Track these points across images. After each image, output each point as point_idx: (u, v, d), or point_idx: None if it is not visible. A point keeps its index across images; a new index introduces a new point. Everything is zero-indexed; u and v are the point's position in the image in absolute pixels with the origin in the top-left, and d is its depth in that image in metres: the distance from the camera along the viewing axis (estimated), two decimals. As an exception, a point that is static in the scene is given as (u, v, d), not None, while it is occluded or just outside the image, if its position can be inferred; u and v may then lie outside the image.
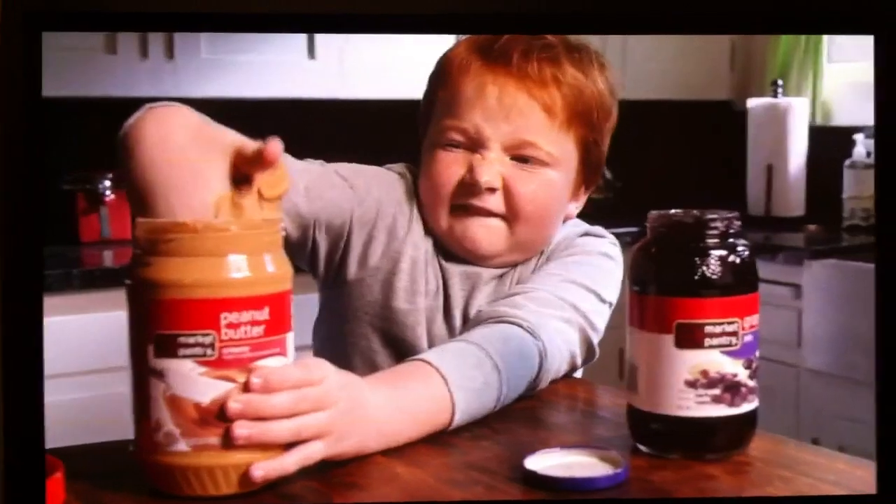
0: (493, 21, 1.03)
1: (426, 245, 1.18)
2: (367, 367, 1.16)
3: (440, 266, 1.18)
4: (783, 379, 2.54)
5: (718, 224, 0.89)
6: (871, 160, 2.77)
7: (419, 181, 1.19)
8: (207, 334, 0.79)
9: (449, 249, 1.18)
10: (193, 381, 0.79)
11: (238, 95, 2.41)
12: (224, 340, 0.79)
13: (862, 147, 2.80)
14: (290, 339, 0.84)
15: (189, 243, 0.80)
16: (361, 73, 2.50)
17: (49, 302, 2.04)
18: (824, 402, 2.47)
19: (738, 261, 0.89)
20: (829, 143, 2.93)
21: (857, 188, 2.79)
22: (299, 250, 1.14)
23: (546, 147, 1.14)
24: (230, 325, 0.80)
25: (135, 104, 0.97)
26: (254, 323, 0.80)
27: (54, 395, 1.81)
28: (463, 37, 1.21)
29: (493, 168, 1.13)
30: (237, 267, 0.80)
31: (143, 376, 0.81)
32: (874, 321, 0.91)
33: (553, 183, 1.16)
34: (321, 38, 2.47)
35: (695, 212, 0.91)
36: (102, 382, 2.09)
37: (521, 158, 1.14)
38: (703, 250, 0.88)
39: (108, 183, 2.45)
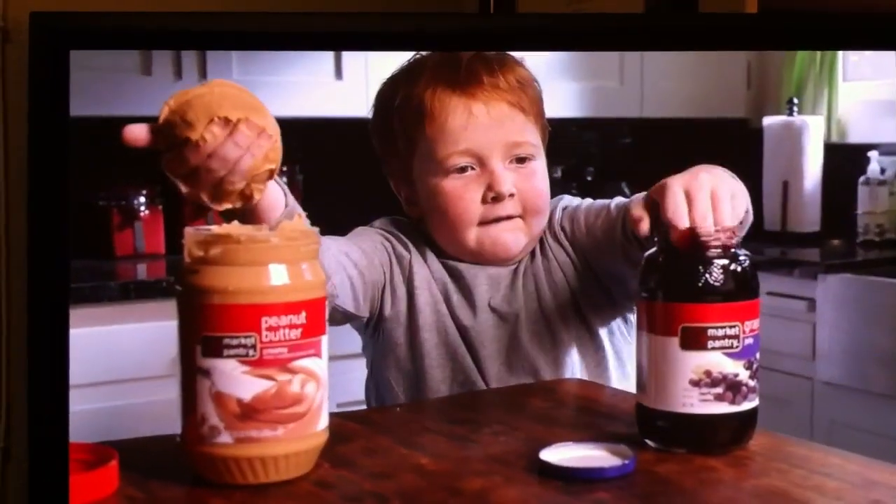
0: (517, 37, 1.06)
1: (431, 272, 1.28)
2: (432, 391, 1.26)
3: (460, 274, 1.27)
4: (798, 390, 2.58)
5: (721, 235, 0.96)
6: (885, 177, 2.81)
7: (430, 215, 1.27)
8: (250, 336, 0.86)
9: (474, 261, 1.27)
10: (236, 379, 0.86)
11: (268, 115, 2.48)
12: (265, 342, 0.86)
13: (876, 164, 2.84)
14: (325, 341, 0.90)
15: (234, 253, 0.87)
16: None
17: (84, 313, 2.13)
18: (837, 414, 2.51)
19: (739, 269, 0.95)
20: (843, 160, 2.97)
21: (871, 204, 2.83)
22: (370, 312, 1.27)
23: (532, 141, 1.25)
24: (270, 328, 0.86)
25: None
26: (292, 326, 0.87)
27: (89, 404, 1.87)
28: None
29: (506, 176, 1.23)
30: (277, 275, 0.87)
31: (191, 374, 0.88)
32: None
33: (543, 171, 1.27)
34: (348, 60, 2.54)
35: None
36: (135, 391, 2.14)
37: (518, 159, 1.25)
38: (706, 259, 0.95)
39: (142, 199, 2.50)
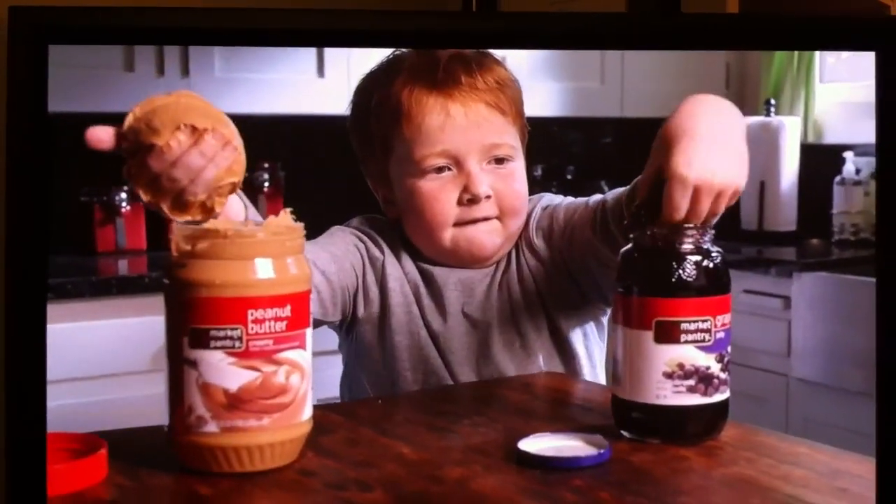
0: (500, 35, 1.06)
1: (405, 273, 1.28)
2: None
3: (432, 278, 1.28)
4: (773, 387, 2.62)
5: (693, 232, 0.99)
6: (860, 177, 2.85)
7: (406, 215, 1.27)
8: (236, 328, 0.88)
9: (448, 263, 1.27)
10: (223, 370, 0.88)
11: (250, 112, 2.48)
12: (251, 334, 0.88)
13: (851, 164, 2.88)
14: (309, 333, 0.92)
15: (220, 247, 0.89)
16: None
17: (66, 309, 2.14)
18: (812, 410, 2.55)
19: (711, 265, 0.98)
20: (819, 160, 3.00)
21: (847, 204, 2.87)
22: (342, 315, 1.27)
23: (510, 143, 1.25)
24: (256, 321, 0.88)
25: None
26: (277, 319, 0.89)
27: (70, 399, 1.88)
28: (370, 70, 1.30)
29: (482, 178, 1.23)
30: (263, 269, 0.89)
31: (178, 365, 0.90)
32: (875, 332, 0.97)
33: (521, 172, 1.27)
34: (330, 58, 2.55)
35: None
36: (117, 386, 2.15)
37: (496, 161, 1.25)
38: (679, 256, 0.98)
39: (123, 195, 2.51)
